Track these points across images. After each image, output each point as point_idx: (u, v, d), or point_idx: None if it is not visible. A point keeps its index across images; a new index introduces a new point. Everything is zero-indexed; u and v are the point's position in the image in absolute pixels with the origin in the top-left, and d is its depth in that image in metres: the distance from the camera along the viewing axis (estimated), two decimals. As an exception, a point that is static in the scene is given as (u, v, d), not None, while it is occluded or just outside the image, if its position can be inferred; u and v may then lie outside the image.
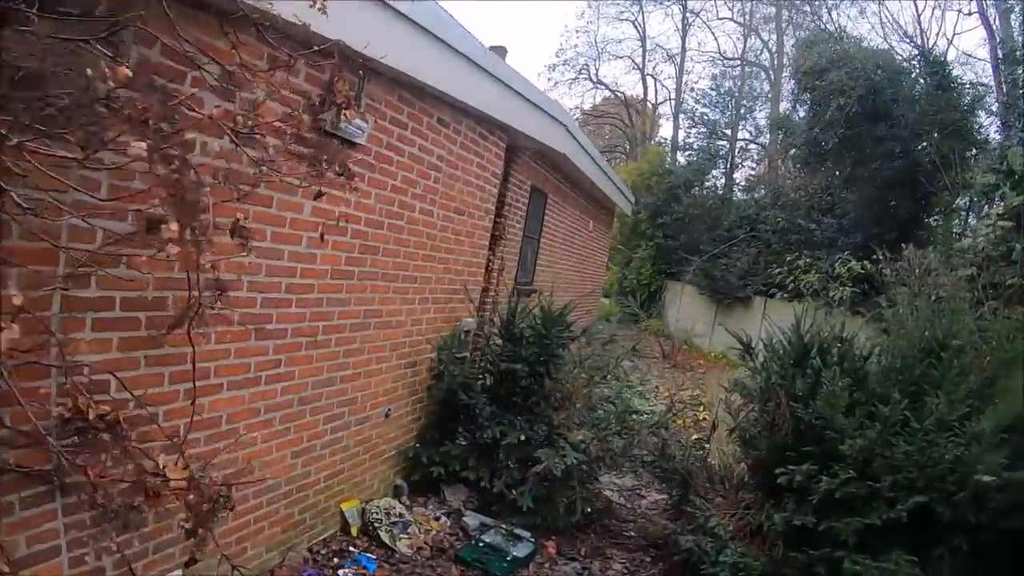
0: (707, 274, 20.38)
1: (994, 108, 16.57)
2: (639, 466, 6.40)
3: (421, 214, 5.46)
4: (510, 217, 8.51)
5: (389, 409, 5.50)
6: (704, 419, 10.06)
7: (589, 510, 5.51)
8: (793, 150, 20.18)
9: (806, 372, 4.90)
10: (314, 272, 4.36)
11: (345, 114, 4.12)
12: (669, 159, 26.78)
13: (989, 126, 16.78)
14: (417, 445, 5.95)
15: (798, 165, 20.48)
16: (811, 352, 4.98)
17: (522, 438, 5.51)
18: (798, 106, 19.88)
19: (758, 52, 30.34)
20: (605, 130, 38.01)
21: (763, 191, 22.25)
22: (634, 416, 6.47)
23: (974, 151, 15.76)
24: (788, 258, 13.66)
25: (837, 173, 17.74)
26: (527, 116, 6.97)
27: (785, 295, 14.78)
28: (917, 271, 8.53)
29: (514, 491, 5.40)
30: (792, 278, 13.76)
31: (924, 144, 15.60)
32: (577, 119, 35.39)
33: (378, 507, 5.27)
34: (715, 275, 20.10)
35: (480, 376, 6.15)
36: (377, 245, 4.95)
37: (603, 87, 36.30)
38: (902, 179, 15.74)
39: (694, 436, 9.52)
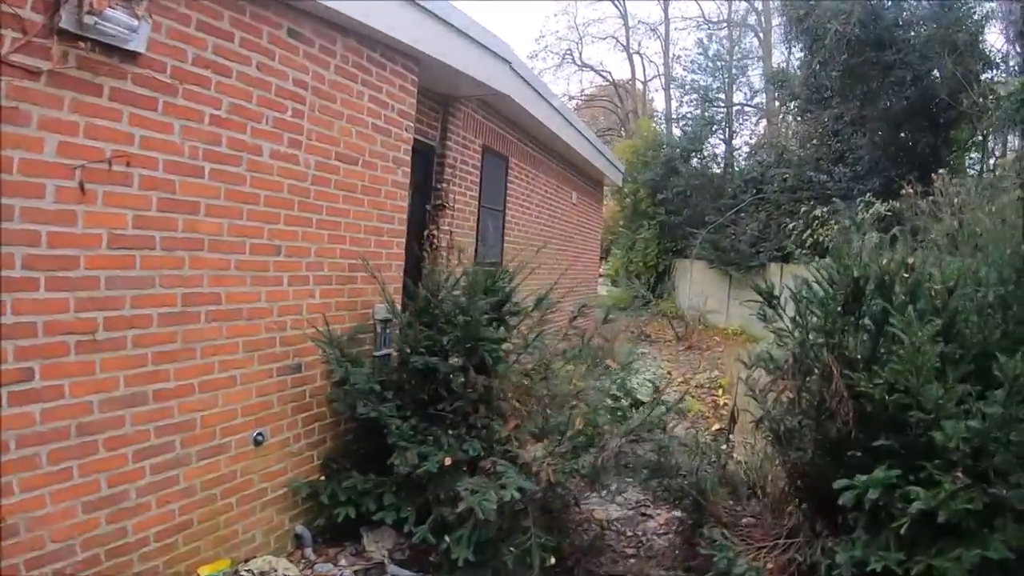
0: (715, 246, 18.55)
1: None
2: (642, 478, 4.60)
3: (275, 159, 3.75)
4: (456, 182, 6.81)
5: (260, 433, 3.79)
6: (725, 404, 8.26)
7: (554, 561, 3.72)
8: (793, 102, 18.34)
9: (862, 322, 3.15)
10: (74, 239, 2.76)
11: (92, 3, 2.60)
12: (664, 131, 24.95)
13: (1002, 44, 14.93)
14: (321, 478, 4.24)
15: (799, 117, 18.62)
16: (866, 290, 3.18)
17: (447, 462, 3.77)
18: (793, 50, 18.08)
19: (745, 13, 28.53)
20: (599, 118, 36.25)
21: (766, 153, 20.37)
22: (619, 414, 4.61)
23: (991, 72, 13.94)
24: (803, 208, 11.80)
25: (844, 116, 15.86)
26: (449, 43, 5.27)
27: (804, 253, 12.85)
28: (955, 201, 6.75)
29: (447, 537, 3.64)
30: (809, 232, 11.88)
31: (935, 69, 13.74)
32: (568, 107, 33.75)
33: (255, 570, 3.58)
34: (724, 246, 18.28)
35: (400, 379, 4.40)
36: (195, 200, 3.26)
37: (589, 69, 34.60)
38: (916, 111, 13.94)
39: (714, 426, 7.72)
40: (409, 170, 5.29)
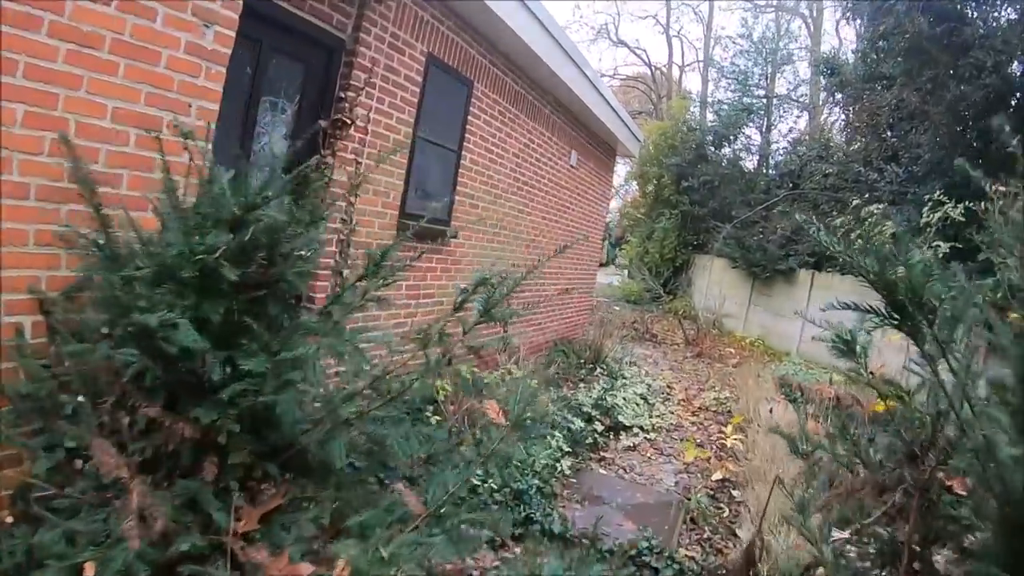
0: (740, 243, 16.17)
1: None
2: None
3: None
4: (377, 97, 4.61)
5: None
6: (735, 442, 5.99)
7: None
8: (842, 92, 15.83)
9: None
10: None
11: None
12: (697, 114, 22.49)
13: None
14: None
15: (849, 109, 16.11)
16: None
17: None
18: (845, 39, 15.55)
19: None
20: (632, 104, 33.75)
21: (807, 147, 17.92)
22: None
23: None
24: (855, 202, 9.41)
25: (903, 107, 13.39)
26: None
27: (848, 258, 10.42)
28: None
29: None
30: (860, 233, 9.47)
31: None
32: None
33: None
34: (750, 244, 15.89)
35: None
36: None
37: (624, 46, 32.10)
38: (992, 104, 11.42)
39: (715, 474, 5.49)
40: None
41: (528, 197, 7.59)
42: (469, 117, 5.99)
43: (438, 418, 4.77)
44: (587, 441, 5.72)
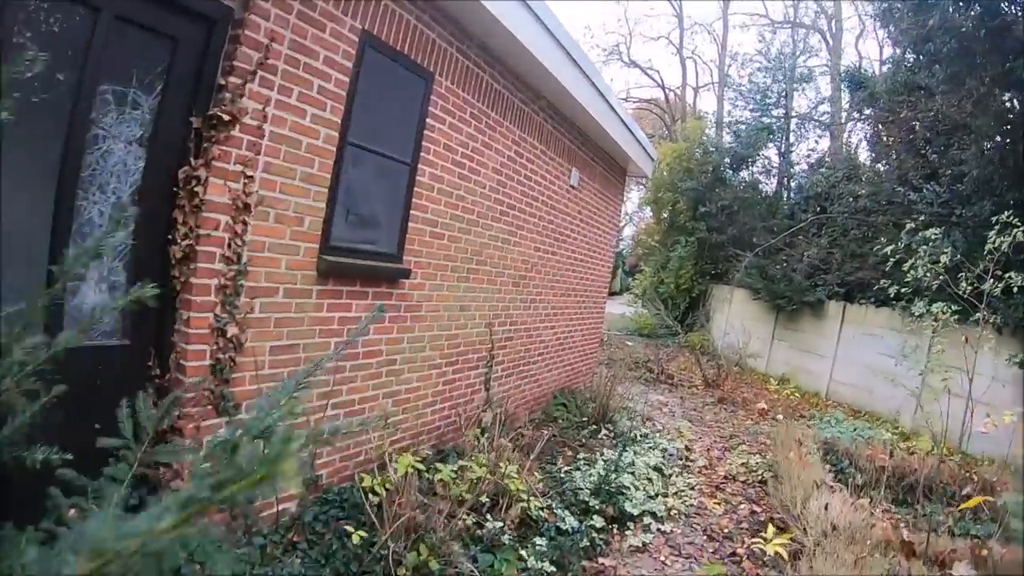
0: (763, 273, 14.71)
1: None
2: None
3: None
4: (279, 86, 3.27)
5: None
6: (777, 549, 4.47)
7: None
8: (872, 106, 14.40)
9: None
10: None
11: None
12: (714, 135, 21.06)
13: None
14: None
15: (880, 125, 14.65)
16: None
17: None
18: (869, 49, 14.17)
19: (814, 16, 24.58)
20: (645, 129, 32.36)
21: (832, 167, 16.45)
22: None
23: None
24: (909, 225, 7.90)
25: (943, 120, 11.95)
26: None
27: (888, 290, 8.74)
28: None
29: None
30: (914, 263, 7.89)
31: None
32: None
33: None
34: (773, 274, 14.43)
35: None
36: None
37: (636, 67, 30.81)
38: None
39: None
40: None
41: (516, 223, 6.21)
42: (428, 120, 4.63)
43: (362, 534, 3.36)
44: (582, 544, 4.27)
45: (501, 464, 4.53)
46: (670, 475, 6.21)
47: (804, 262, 13.94)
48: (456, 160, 5.08)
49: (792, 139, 19.27)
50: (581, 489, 5.02)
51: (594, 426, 7.06)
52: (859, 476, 6.21)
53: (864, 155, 16.92)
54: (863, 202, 13.57)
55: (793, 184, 17.89)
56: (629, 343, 16.49)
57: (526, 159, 6.21)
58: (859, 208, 13.58)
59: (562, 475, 5.41)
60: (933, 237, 7.72)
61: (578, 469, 5.60)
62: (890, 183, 13.16)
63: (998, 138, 10.96)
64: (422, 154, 4.64)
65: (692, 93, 31.07)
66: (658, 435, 7.49)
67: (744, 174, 18.49)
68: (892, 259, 7.98)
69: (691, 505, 5.62)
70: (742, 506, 5.79)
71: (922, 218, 9.29)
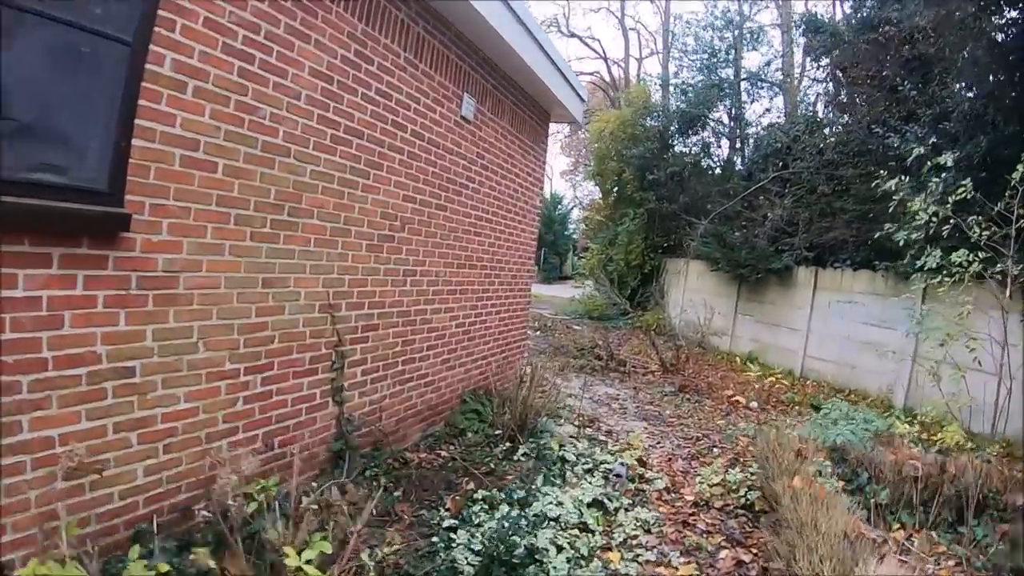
0: (721, 241, 12.85)
1: None
2: None
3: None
4: None
5: None
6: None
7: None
8: (836, 49, 12.58)
9: None
10: None
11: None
12: (660, 99, 19.10)
13: None
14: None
15: (841, 71, 12.83)
16: None
17: None
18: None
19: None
20: (588, 101, 30.34)
21: (791, 120, 14.65)
22: None
23: None
24: (916, 151, 5.93)
25: (922, 53, 10.18)
26: None
27: (894, 239, 6.61)
28: None
29: None
30: (926, 199, 5.89)
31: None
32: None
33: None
34: (733, 242, 12.57)
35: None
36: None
37: (576, 38, 28.76)
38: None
39: None
40: None
41: (367, 159, 4.12)
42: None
43: None
44: None
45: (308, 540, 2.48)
46: (616, 510, 4.23)
47: (767, 225, 12.11)
48: (235, 49, 3.00)
49: (745, 98, 17.41)
50: (462, 567, 2.99)
51: (507, 445, 5.05)
52: (882, 491, 4.31)
53: (826, 109, 15.12)
54: (829, 155, 11.77)
55: (749, 143, 16.03)
56: (577, 327, 14.53)
57: (379, 68, 4.13)
58: (825, 162, 11.77)
59: (440, 533, 3.38)
60: (945, 165, 5.90)
61: (467, 522, 3.57)
62: (860, 130, 11.35)
63: (993, 70, 9.18)
64: (159, 30, 2.57)
65: (636, 64, 29.22)
66: (602, 447, 5.52)
67: (695, 139, 16.63)
68: (895, 198, 6.14)
69: (647, 562, 3.63)
70: (722, 553, 3.84)
71: (932, 141, 7.34)
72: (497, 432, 5.21)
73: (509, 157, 6.40)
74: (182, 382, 2.98)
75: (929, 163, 6.19)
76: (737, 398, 8.57)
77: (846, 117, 12.77)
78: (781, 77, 17.66)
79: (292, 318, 3.59)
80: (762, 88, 17.54)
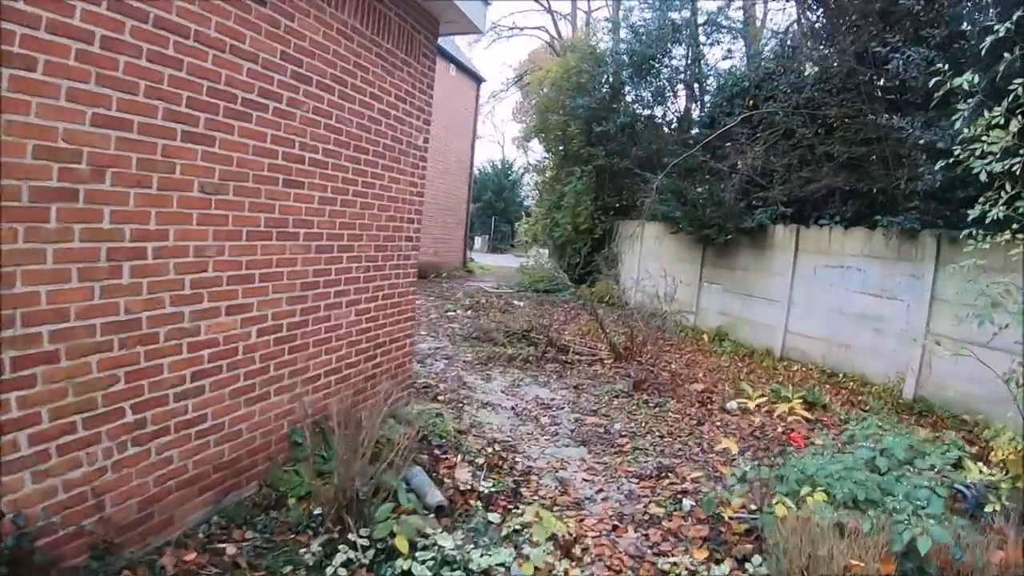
0: (681, 198, 10.71)
1: None
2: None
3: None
4: None
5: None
6: None
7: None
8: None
9: None
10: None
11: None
12: (609, 43, 16.73)
13: None
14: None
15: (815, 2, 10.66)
16: None
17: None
18: None
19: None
20: (537, 57, 27.78)
21: (765, 58, 12.50)
22: None
23: None
24: (941, 67, 3.90)
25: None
26: None
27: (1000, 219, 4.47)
28: None
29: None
30: (989, 121, 3.99)
31: None
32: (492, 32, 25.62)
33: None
34: (695, 198, 10.42)
35: None
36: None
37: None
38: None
39: None
40: None
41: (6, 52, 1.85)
42: None
43: None
44: None
45: None
46: None
47: (736, 177, 9.96)
48: None
49: (704, 40, 15.15)
50: None
51: (334, 533, 2.82)
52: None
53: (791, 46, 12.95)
54: (808, 92, 9.63)
55: (710, 90, 13.79)
56: (518, 303, 12.29)
57: None
58: (805, 100, 9.63)
59: None
60: (974, 85, 3.87)
61: None
62: (845, 62, 9.17)
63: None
64: None
65: (584, 17, 26.77)
66: (495, 527, 3.33)
67: (649, 90, 14.35)
68: (963, 109, 4.03)
69: None
70: None
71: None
72: (319, 510, 2.97)
73: (361, 71, 4.06)
74: None
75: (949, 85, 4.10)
76: (710, 393, 6.47)
77: (823, 48, 10.63)
78: (743, 16, 15.45)
79: None
80: (721, 32, 15.31)
